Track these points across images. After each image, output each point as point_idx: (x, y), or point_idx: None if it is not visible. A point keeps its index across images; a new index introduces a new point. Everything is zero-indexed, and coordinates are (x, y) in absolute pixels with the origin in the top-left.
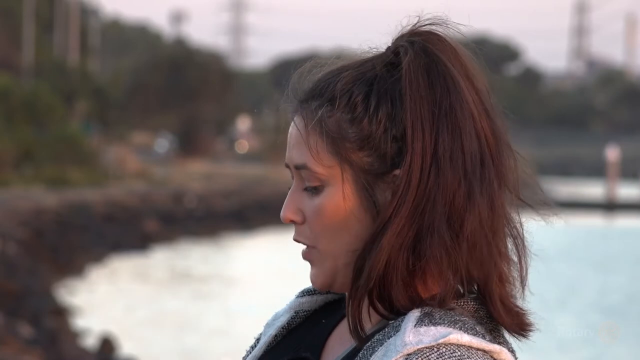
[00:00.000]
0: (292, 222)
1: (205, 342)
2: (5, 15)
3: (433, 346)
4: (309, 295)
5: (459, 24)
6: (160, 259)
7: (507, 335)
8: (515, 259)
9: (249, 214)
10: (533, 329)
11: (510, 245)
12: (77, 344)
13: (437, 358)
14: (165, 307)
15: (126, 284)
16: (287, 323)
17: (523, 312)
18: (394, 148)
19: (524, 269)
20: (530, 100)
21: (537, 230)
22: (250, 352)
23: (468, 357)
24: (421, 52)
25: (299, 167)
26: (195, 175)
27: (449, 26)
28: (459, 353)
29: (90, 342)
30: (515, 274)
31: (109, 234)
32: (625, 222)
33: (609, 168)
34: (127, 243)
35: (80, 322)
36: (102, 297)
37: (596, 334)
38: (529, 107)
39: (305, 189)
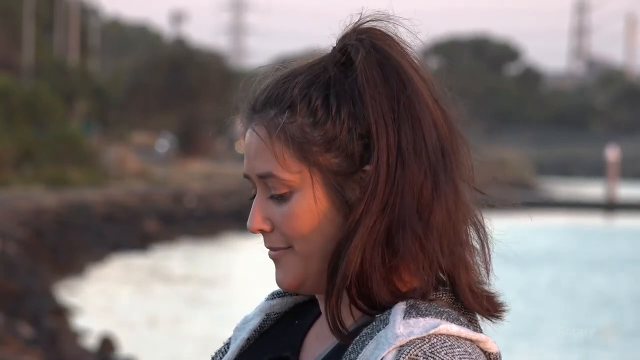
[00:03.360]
0: (261, 231)
1: (205, 343)
2: (5, 15)
3: (424, 337)
4: (280, 297)
5: (402, 17)
6: (160, 259)
7: (481, 323)
8: (477, 246)
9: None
10: (504, 309)
11: (473, 232)
12: (77, 344)
13: (430, 348)
14: (165, 307)
15: (126, 284)
16: (259, 326)
17: (492, 294)
18: (360, 146)
19: (488, 255)
20: (530, 100)
21: (538, 231)
22: (220, 357)
23: (458, 347)
24: (371, 49)
25: (263, 176)
26: (195, 175)
27: (392, 20)
28: (449, 343)
29: (90, 342)
30: (479, 261)
31: (109, 234)
32: (625, 222)
33: (609, 168)
34: (127, 243)
35: (80, 322)
36: (102, 297)
37: (596, 334)
38: (529, 107)
39: (271, 197)
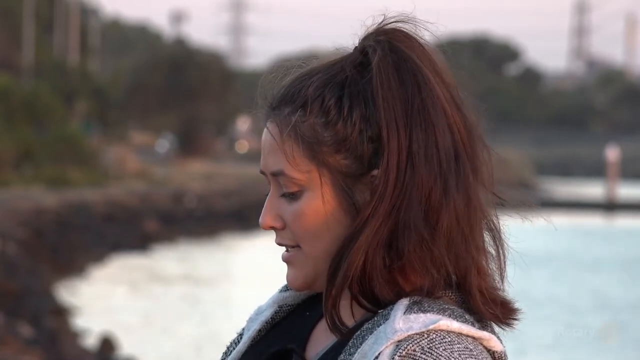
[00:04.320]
0: (272, 228)
1: (205, 343)
2: (5, 15)
3: (423, 332)
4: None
5: (426, 20)
6: (160, 259)
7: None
8: (493, 251)
9: (249, 214)
10: (516, 317)
11: (488, 238)
12: (77, 344)
13: (428, 344)
14: (165, 307)
15: (126, 284)
16: (270, 317)
17: (506, 300)
18: (370, 149)
19: (503, 261)
20: (530, 100)
21: (537, 231)
22: (234, 347)
23: (458, 343)
24: (389, 51)
25: (275, 174)
26: (195, 175)
27: (416, 23)
28: (449, 339)
29: (90, 342)
30: (494, 267)
31: (109, 234)
32: (625, 222)
33: (609, 168)
34: (127, 243)
35: (80, 322)
36: (102, 297)
37: (596, 334)
38: (529, 107)
39: (283, 195)
